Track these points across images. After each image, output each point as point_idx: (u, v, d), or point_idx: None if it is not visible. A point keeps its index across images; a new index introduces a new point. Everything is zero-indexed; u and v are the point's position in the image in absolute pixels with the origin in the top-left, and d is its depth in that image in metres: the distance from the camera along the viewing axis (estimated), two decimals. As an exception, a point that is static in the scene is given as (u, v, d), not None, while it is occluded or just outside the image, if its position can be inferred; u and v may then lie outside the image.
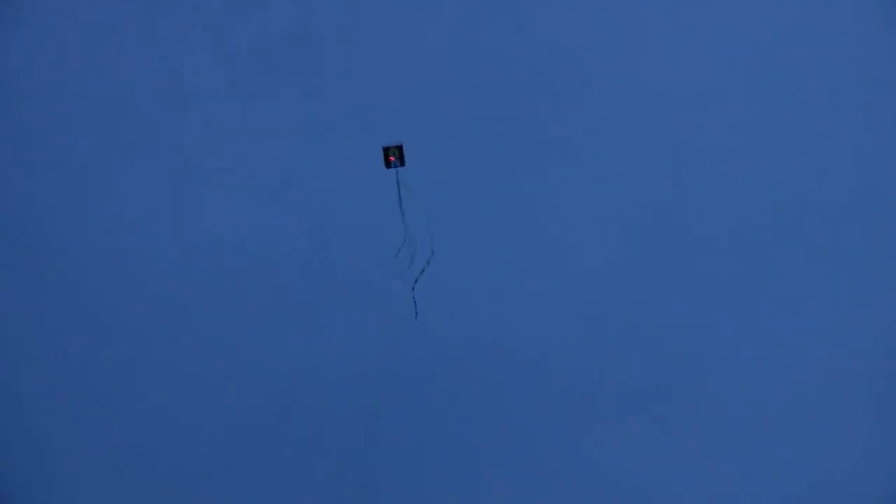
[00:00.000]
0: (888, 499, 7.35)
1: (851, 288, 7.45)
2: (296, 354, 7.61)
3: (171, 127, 7.68)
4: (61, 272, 7.63)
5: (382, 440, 7.55)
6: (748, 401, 7.46)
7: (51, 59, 7.69)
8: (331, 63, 7.67)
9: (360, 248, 7.61)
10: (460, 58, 7.63)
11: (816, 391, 7.43)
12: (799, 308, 7.48)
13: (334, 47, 7.67)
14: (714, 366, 7.49)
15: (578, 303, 7.57)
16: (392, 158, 7.23)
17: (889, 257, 7.44)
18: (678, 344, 7.50)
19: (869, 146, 7.50)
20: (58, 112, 7.68)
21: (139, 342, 7.61)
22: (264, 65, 7.68)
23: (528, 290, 7.59)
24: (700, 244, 7.54)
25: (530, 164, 7.61)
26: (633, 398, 7.49)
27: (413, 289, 7.48)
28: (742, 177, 7.55)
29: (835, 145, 7.51)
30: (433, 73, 7.63)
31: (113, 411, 7.58)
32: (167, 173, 7.66)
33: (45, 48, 7.68)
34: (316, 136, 7.67)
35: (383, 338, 7.59)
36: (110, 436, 7.56)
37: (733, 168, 7.55)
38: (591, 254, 7.58)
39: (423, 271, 7.47)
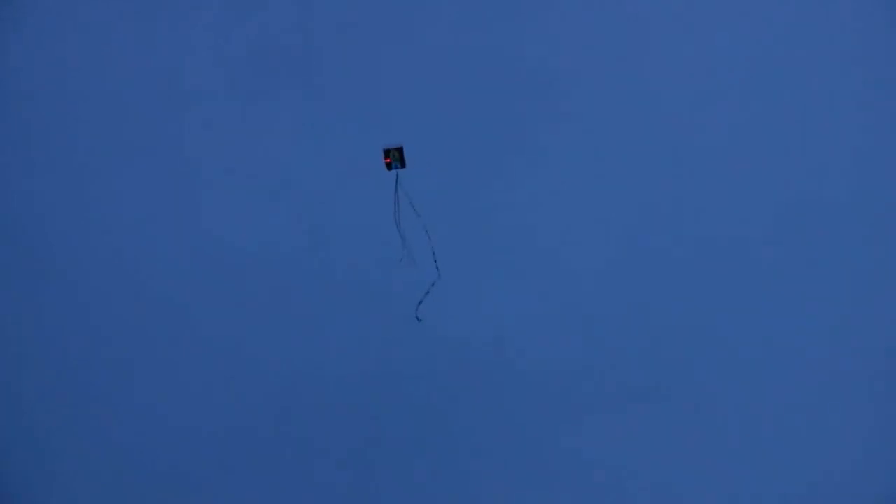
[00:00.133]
0: (888, 499, 7.35)
1: (851, 288, 7.45)
2: (296, 354, 7.61)
3: (171, 127, 7.68)
4: (61, 272, 7.63)
5: (382, 440, 7.55)
6: (748, 400, 7.46)
7: (51, 59, 7.69)
8: (331, 63, 7.67)
9: (360, 248, 7.61)
10: (460, 59, 7.63)
11: (816, 391, 7.43)
12: (798, 308, 7.48)
13: (334, 47, 7.67)
14: (713, 365, 7.49)
15: (578, 303, 7.57)
16: (388, 161, 7.23)
17: (889, 257, 7.44)
18: (677, 344, 7.50)
19: (869, 146, 7.50)
20: (58, 112, 7.68)
21: (139, 342, 7.61)
22: (264, 65, 7.68)
23: (527, 290, 7.59)
24: (699, 244, 7.54)
25: (530, 165, 7.61)
26: (633, 398, 7.49)
27: (417, 311, 7.50)
28: (741, 177, 7.55)
29: (834, 145, 7.52)
30: (433, 74, 7.64)
31: (113, 411, 7.58)
32: (167, 173, 7.67)
33: (45, 48, 7.69)
34: (316, 136, 7.67)
35: (383, 338, 7.59)
36: (110, 436, 7.56)
37: (733, 169, 7.55)
38: (590, 254, 7.58)
39: (427, 293, 7.49)
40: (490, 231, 7.62)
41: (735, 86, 7.57)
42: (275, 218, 7.65)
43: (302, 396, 7.59)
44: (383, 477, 7.54)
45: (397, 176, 7.35)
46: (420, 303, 7.47)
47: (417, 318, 7.48)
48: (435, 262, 7.46)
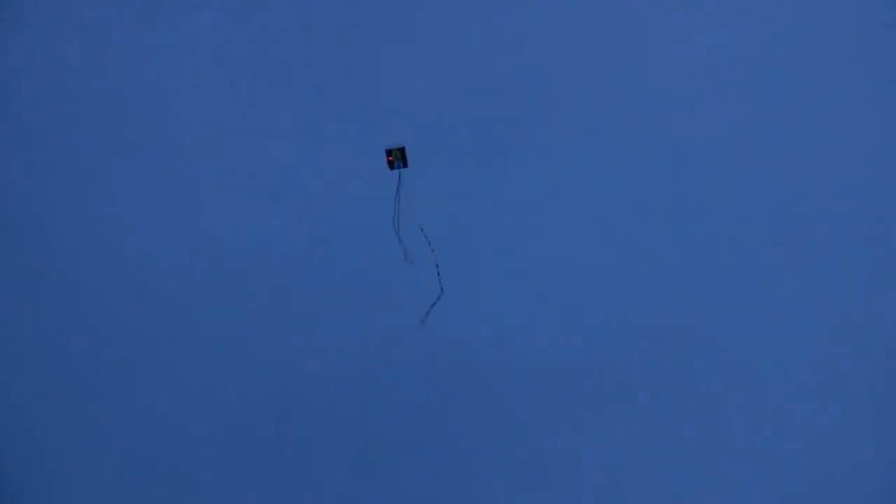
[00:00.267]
0: (888, 499, 7.35)
1: (851, 288, 7.45)
2: (296, 354, 7.61)
3: (170, 127, 7.69)
4: (61, 272, 7.63)
5: (382, 440, 7.56)
6: (747, 400, 7.46)
7: (51, 59, 7.69)
8: (331, 64, 7.67)
9: (360, 248, 7.61)
10: (460, 59, 7.64)
11: (816, 391, 7.43)
12: (798, 308, 7.49)
13: (334, 48, 7.68)
14: (713, 365, 7.50)
15: (578, 303, 7.58)
16: (391, 160, 7.24)
17: (889, 257, 7.44)
18: (677, 344, 7.51)
19: (869, 146, 7.50)
20: (58, 112, 7.69)
21: (139, 342, 7.61)
22: (264, 65, 7.69)
23: (527, 290, 7.59)
24: (699, 244, 7.55)
25: (530, 165, 7.61)
26: (632, 398, 7.49)
27: (424, 321, 7.53)
28: (741, 177, 7.55)
29: (834, 146, 7.52)
30: (433, 74, 7.64)
31: (113, 411, 7.58)
32: (167, 173, 7.67)
33: (45, 48, 7.69)
34: (316, 136, 7.67)
35: (383, 338, 7.59)
36: (110, 436, 7.56)
37: (732, 168, 7.55)
38: (590, 254, 7.58)
39: (433, 305, 7.51)
40: (490, 231, 7.62)
41: (735, 86, 7.58)
42: (275, 218, 7.65)
43: (302, 396, 7.59)
44: (383, 477, 7.54)
45: (399, 176, 7.35)
46: (426, 314, 7.49)
47: (441, 288, 7.49)
48: (439, 277, 7.47)
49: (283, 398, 7.59)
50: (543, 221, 7.61)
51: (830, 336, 7.44)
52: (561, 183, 7.61)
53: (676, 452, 7.46)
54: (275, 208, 7.65)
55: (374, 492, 7.54)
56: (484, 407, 7.56)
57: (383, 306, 7.59)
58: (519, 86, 7.61)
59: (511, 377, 7.56)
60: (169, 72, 7.68)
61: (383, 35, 7.65)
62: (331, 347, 7.61)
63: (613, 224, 7.58)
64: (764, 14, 7.57)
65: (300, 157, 7.66)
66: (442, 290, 7.49)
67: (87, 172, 7.67)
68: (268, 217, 7.65)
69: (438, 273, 7.48)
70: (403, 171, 7.33)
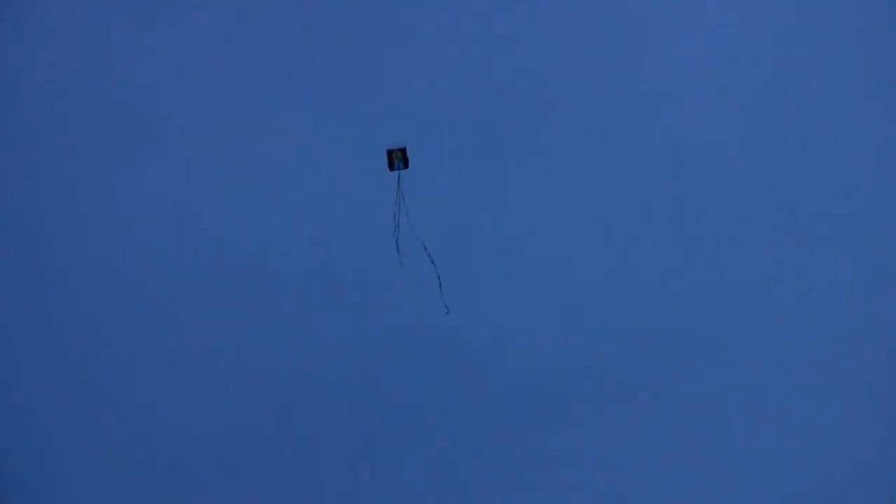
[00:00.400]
0: (888, 499, 7.35)
1: (852, 287, 7.45)
2: (296, 354, 7.61)
3: (170, 127, 7.68)
4: (61, 272, 7.63)
5: (382, 440, 7.55)
6: (747, 400, 7.46)
7: (51, 59, 7.69)
8: (331, 64, 7.67)
9: (360, 248, 7.61)
10: (461, 59, 7.63)
11: (816, 391, 7.43)
12: (798, 308, 7.48)
13: (334, 48, 7.67)
14: (713, 365, 7.49)
15: (578, 303, 7.57)
16: (391, 160, 7.24)
17: (889, 257, 7.44)
18: (677, 344, 7.50)
19: (869, 146, 7.50)
20: (58, 112, 7.68)
21: (139, 342, 7.61)
22: (264, 65, 7.68)
23: (527, 290, 7.59)
24: (699, 244, 7.54)
25: (530, 166, 7.61)
26: (632, 398, 7.49)
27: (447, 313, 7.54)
28: (741, 177, 7.55)
29: (834, 146, 7.52)
30: (434, 74, 7.64)
31: (113, 411, 7.58)
32: (167, 173, 7.67)
33: (45, 48, 7.69)
34: (316, 136, 7.67)
35: (383, 338, 7.59)
36: (110, 436, 7.56)
37: (732, 169, 7.55)
38: (590, 254, 7.58)
39: (446, 309, 7.52)
40: (490, 231, 7.62)
41: (735, 86, 7.57)
42: (275, 218, 7.65)
43: (302, 396, 7.59)
44: (383, 477, 7.54)
45: (399, 177, 7.35)
46: (447, 308, 7.50)
47: (446, 307, 7.49)
48: (441, 293, 7.48)
49: (283, 398, 7.59)
50: (543, 221, 7.61)
51: (830, 336, 7.44)
52: (561, 183, 7.61)
53: (676, 452, 7.46)
54: (275, 208, 7.65)
55: (374, 492, 7.53)
56: (484, 407, 7.56)
57: (383, 306, 7.59)
58: (518, 86, 7.61)
59: (511, 377, 7.56)
60: (169, 72, 7.67)
61: (383, 35, 7.64)
62: (331, 347, 7.61)
63: (613, 224, 7.58)
64: (764, 14, 7.56)
65: (300, 157, 7.65)
66: (447, 309, 7.50)
67: (86, 172, 7.67)
68: (268, 217, 7.65)
69: (441, 290, 7.49)
70: (403, 172, 7.32)
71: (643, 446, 7.46)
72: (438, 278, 7.47)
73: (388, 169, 7.30)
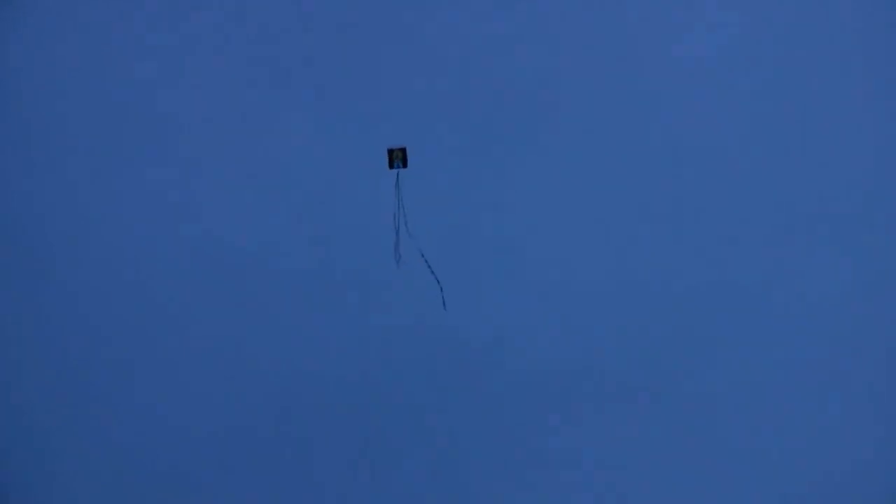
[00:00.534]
0: (888, 499, 7.35)
1: (852, 288, 7.45)
2: (296, 354, 7.61)
3: (170, 127, 7.68)
4: (61, 272, 7.62)
5: (382, 440, 7.55)
6: (748, 401, 7.45)
7: (51, 59, 7.69)
8: (331, 64, 7.67)
9: (360, 248, 7.61)
10: (461, 59, 7.63)
11: (816, 391, 7.43)
12: (798, 308, 7.48)
13: (334, 48, 7.67)
14: (713, 365, 7.49)
15: (578, 303, 7.57)
16: (392, 158, 7.25)
17: (890, 257, 7.44)
18: (678, 344, 7.50)
19: (869, 146, 7.49)
20: (57, 112, 7.68)
21: (139, 342, 7.61)
22: (264, 65, 7.68)
23: (527, 290, 7.59)
24: (699, 244, 7.54)
25: (530, 165, 7.61)
26: (633, 398, 7.49)
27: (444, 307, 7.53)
28: (741, 177, 7.55)
29: (834, 145, 7.51)
30: (434, 74, 7.63)
31: (113, 411, 7.58)
32: (167, 173, 7.66)
33: (45, 48, 7.68)
34: (316, 136, 7.67)
35: (383, 338, 7.59)
36: (110, 436, 7.56)
37: (732, 168, 7.55)
38: (590, 254, 7.58)
39: (444, 304, 7.52)
40: (490, 231, 7.62)
41: (736, 86, 7.57)
42: (275, 218, 7.65)
43: (302, 396, 7.59)
44: (383, 477, 7.53)
45: (398, 176, 7.35)
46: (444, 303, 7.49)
47: (444, 303, 7.49)
48: (443, 300, 7.49)
49: (283, 398, 7.59)
50: (543, 221, 7.61)
51: (830, 336, 7.44)
52: (561, 183, 7.61)
53: (676, 452, 7.46)
54: (275, 208, 7.65)
55: (374, 492, 7.53)
56: (484, 407, 7.56)
57: (383, 306, 7.59)
58: (518, 86, 7.61)
59: (511, 377, 7.56)
60: (169, 72, 7.67)
61: (383, 35, 7.64)
62: (331, 347, 7.61)
63: (613, 224, 7.58)
64: (764, 14, 7.56)
65: (300, 158, 7.65)
66: (445, 305, 7.50)
67: (85, 172, 7.67)
68: (268, 217, 7.64)
69: (442, 294, 7.49)
70: (402, 171, 7.33)
71: (643, 446, 7.46)
72: (438, 283, 7.47)
73: (387, 167, 7.31)
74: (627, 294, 7.54)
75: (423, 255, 7.37)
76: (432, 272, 7.40)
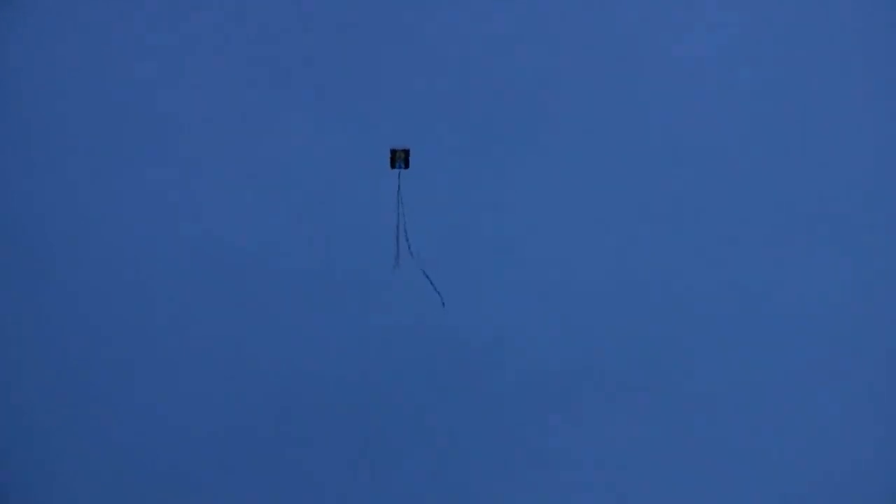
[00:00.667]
0: (888, 499, 7.35)
1: (852, 288, 7.45)
2: (296, 354, 7.61)
3: (170, 127, 7.68)
4: (61, 272, 7.63)
5: (382, 440, 7.55)
6: (748, 401, 7.46)
7: (51, 59, 7.69)
8: (331, 64, 7.67)
9: (360, 248, 7.61)
10: (461, 59, 7.63)
11: (816, 391, 7.43)
12: (799, 308, 7.48)
13: (334, 48, 7.67)
14: (712, 365, 7.49)
15: (578, 303, 7.57)
16: (395, 158, 7.25)
17: (890, 257, 7.44)
18: (678, 344, 7.50)
19: (870, 147, 7.50)
20: (57, 112, 7.68)
21: (139, 342, 7.61)
22: (264, 65, 7.68)
23: (527, 290, 7.59)
24: (699, 244, 7.54)
25: (529, 165, 7.61)
26: (633, 398, 7.49)
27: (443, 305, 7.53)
28: (741, 176, 7.55)
29: (834, 145, 7.51)
30: (434, 75, 7.63)
31: (113, 411, 7.58)
32: (167, 173, 7.66)
33: (45, 48, 7.68)
34: (316, 136, 7.67)
35: (383, 338, 7.59)
36: (110, 436, 7.56)
37: (732, 168, 7.55)
38: (590, 254, 7.58)
39: (442, 303, 7.52)
40: (490, 231, 7.62)
41: (736, 86, 7.57)
42: (275, 218, 7.65)
43: (302, 396, 7.59)
44: (383, 477, 7.54)
45: (399, 175, 7.35)
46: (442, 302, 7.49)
47: (443, 303, 7.50)
48: (442, 301, 7.50)
49: (283, 398, 7.59)
50: (543, 221, 7.61)
51: (830, 336, 7.44)
52: (560, 183, 7.61)
53: (676, 452, 7.46)
54: (275, 208, 7.65)
55: (374, 492, 7.53)
56: (484, 407, 7.56)
57: (383, 306, 7.59)
58: (518, 86, 7.61)
59: (511, 377, 7.56)
60: (169, 72, 7.67)
61: (383, 35, 7.64)
62: (331, 347, 7.61)
63: (614, 224, 7.58)
64: (764, 14, 7.56)
65: (300, 158, 7.65)
66: (443, 303, 7.51)
67: (85, 172, 7.67)
68: (268, 217, 7.65)
69: (441, 300, 7.50)
70: (402, 172, 7.33)
71: (643, 446, 7.46)
72: (439, 294, 7.47)
73: (389, 167, 7.32)
74: (627, 294, 7.55)
75: (425, 273, 7.38)
76: (431, 284, 7.40)
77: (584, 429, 7.49)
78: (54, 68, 7.68)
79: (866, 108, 7.50)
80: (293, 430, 7.58)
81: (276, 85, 7.67)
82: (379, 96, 7.64)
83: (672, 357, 7.51)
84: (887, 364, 7.40)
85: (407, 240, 7.38)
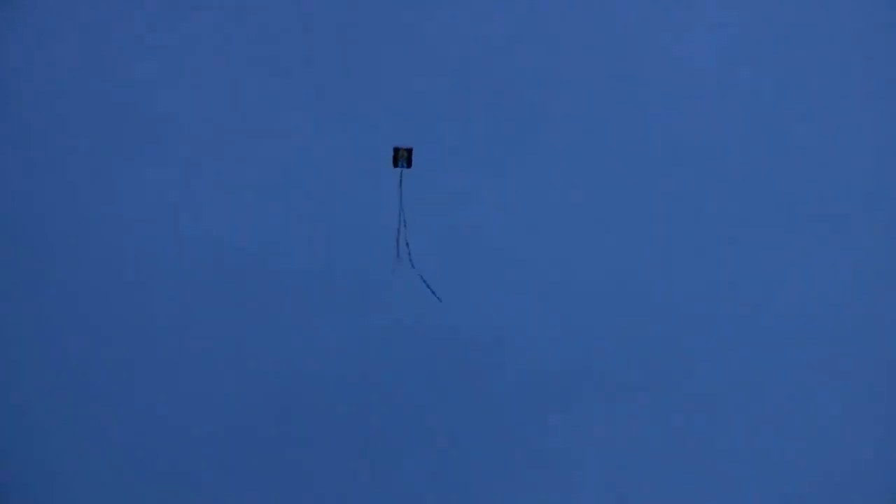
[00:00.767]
0: (888, 499, 7.35)
1: (852, 288, 7.45)
2: (296, 354, 7.61)
3: (171, 127, 7.68)
4: (61, 272, 7.62)
5: (382, 440, 7.55)
6: (748, 401, 7.46)
7: (50, 59, 7.69)
8: (331, 64, 7.67)
9: (360, 248, 7.61)
10: (461, 60, 7.64)
11: (816, 391, 7.43)
12: (799, 308, 7.48)
13: (334, 48, 7.67)
14: (712, 365, 7.49)
15: (578, 303, 7.57)
16: (398, 156, 7.26)
17: (890, 258, 7.44)
18: (678, 344, 7.50)
19: (870, 148, 7.50)
20: (58, 112, 7.68)
21: (139, 342, 7.61)
22: (264, 65, 7.68)
23: (527, 290, 7.59)
24: (699, 245, 7.54)
25: (530, 167, 7.61)
26: (632, 398, 7.49)
27: (439, 300, 7.52)
28: (741, 178, 7.55)
29: (834, 146, 7.52)
30: (433, 75, 7.63)
31: (113, 411, 7.58)
32: (167, 173, 7.66)
33: (44, 48, 7.69)
34: (316, 136, 7.67)
35: (383, 337, 7.59)
36: (110, 436, 7.56)
37: (732, 169, 7.55)
38: (590, 255, 7.58)
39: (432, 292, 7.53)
40: (491, 231, 7.62)
41: (736, 87, 7.57)
42: (275, 218, 7.65)
43: (302, 396, 7.59)
44: (383, 477, 7.53)
45: (401, 174, 7.36)
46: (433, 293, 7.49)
47: (438, 298, 7.50)
48: (433, 295, 7.50)
49: (283, 398, 7.59)
50: (544, 222, 7.61)
51: (830, 336, 7.44)
52: (560, 183, 7.61)
53: (676, 452, 7.46)
54: (275, 208, 7.65)
55: (374, 492, 7.53)
56: (484, 407, 7.56)
57: (383, 306, 7.58)
58: (519, 87, 7.61)
59: (511, 377, 7.56)
60: (169, 72, 7.67)
61: (383, 35, 7.64)
62: (331, 347, 7.61)
63: (613, 224, 7.58)
64: (764, 14, 7.56)
65: (300, 158, 7.65)
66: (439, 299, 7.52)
67: (86, 172, 7.67)
68: (268, 217, 7.64)
69: (437, 296, 7.51)
70: (403, 172, 7.34)
71: (643, 446, 7.46)
72: (434, 293, 7.48)
73: (391, 165, 7.33)
74: (627, 294, 7.55)
75: (423, 280, 7.40)
76: (429, 288, 7.41)
77: (584, 429, 7.49)
78: (54, 68, 7.68)
79: (866, 108, 7.50)
80: (293, 430, 7.57)
81: (276, 85, 7.66)
82: (378, 97, 7.64)
83: (672, 357, 7.51)
84: (887, 364, 7.40)
85: (407, 245, 7.38)
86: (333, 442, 7.57)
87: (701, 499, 7.43)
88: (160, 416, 7.57)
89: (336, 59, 7.65)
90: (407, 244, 7.39)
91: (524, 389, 7.55)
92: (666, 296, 7.53)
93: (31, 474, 7.54)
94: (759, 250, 7.51)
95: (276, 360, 7.60)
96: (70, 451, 7.55)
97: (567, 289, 7.58)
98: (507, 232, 7.62)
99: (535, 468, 7.50)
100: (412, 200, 7.47)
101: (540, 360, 7.55)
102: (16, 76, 7.68)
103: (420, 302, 7.55)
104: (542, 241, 7.60)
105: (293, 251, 7.63)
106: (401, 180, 7.36)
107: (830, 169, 7.50)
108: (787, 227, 7.51)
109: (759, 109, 7.54)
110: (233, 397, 7.59)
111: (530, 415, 7.53)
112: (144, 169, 7.66)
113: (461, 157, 7.62)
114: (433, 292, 7.43)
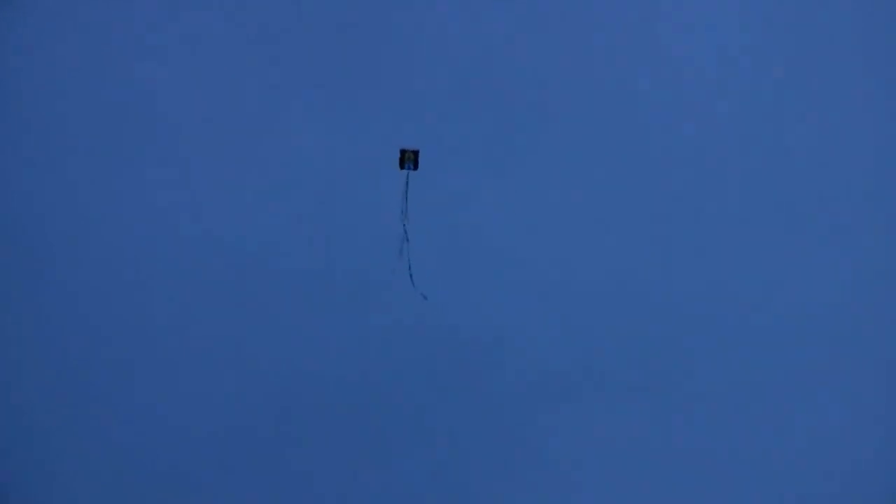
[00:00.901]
0: (888, 499, 7.35)
1: (852, 289, 7.45)
2: (296, 354, 7.61)
3: (170, 127, 7.68)
4: (61, 272, 7.62)
5: (382, 440, 7.55)
6: (748, 401, 7.46)
7: (51, 59, 7.68)
8: (331, 64, 7.67)
9: (359, 248, 7.61)
10: (462, 61, 7.64)
11: (816, 391, 7.43)
12: (799, 308, 7.49)
13: (334, 48, 7.67)
14: (713, 366, 7.50)
15: (578, 303, 7.57)
16: (404, 158, 7.26)
17: (890, 258, 7.44)
18: (678, 344, 7.51)
19: (870, 148, 7.50)
20: (58, 112, 7.68)
21: (139, 342, 7.61)
22: (264, 65, 7.68)
23: (527, 290, 7.59)
24: (700, 246, 7.54)
25: (530, 168, 7.61)
26: (632, 398, 7.49)
27: (424, 295, 7.52)
28: (741, 178, 7.55)
29: (834, 146, 7.52)
30: (434, 76, 7.63)
31: (113, 411, 7.58)
32: (167, 173, 7.66)
33: (44, 48, 7.68)
34: (316, 136, 7.67)
35: (383, 337, 7.59)
36: (110, 436, 7.56)
37: (732, 169, 7.55)
38: (589, 255, 7.58)
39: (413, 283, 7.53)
40: (491, 231, 7.62)
41: (737, 87, 7.57)
42: (275, 218, 7.65)
43: (302, 396, 7.59)
44: (383, 476, 7.54)
45: (407, 176, 7.36)
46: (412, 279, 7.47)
47: (423, 296, 7.49)
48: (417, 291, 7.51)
49: (283, 398, 7.59)
50: (544, 222, 7.61)
51: (831, 336, 7.44)
52: (561, 183, 7.61)
53: (676, 452, 7.46)
54: (275, 208, 7.65)
55: (374, 492, 7.53)
56: (484, 407, 7.56)
57: (383, 306, 7.59)
58: (519, 87, 7.61)
59: (511, 377, 7.56)
60: (169, 72, 7.67)
61: (383, 35, 7.64)
62: (331, 347, 7.61)
63: (614, 225, 7.58)
64: (764, 14, 7.56)
65: (300, 157, 7.65)
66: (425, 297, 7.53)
67: (86, 172, 7.67)
68: (268, 217, 7.64)
69: (423, 295, 7.53)
70: (411, 173, 7.35)
71: (643, 446, 7.46)
72: (422, 295, 7.48)
73: (392, 165, 7.33)
74: (627, 294, 7.55)
75: (411, 279, 7.40)
76: (422, 295, 7.42)
77: (584, 429, 7.50)
78: (54, 68, 7.68)
79: (866, 108, 7.50)
80: (293, 430, 7.58)
81: (276, 85, 7.66)
82: (379, 97, 7.64)
83: (672, 357, 7.51)
84: (887, 364, 7.40)
85: (407, 240, 7.38)
86: (333, 442, 7.57)
87: (701, 499, 7.44)
88: (160, 416, 7.57)
89: (336, 59, 7.64)
90: (407, 240, 7.38)
91: (524, 390, 7.55)
92: (666, 296, 7.53)
93: (31, 474, 7.55)
94: (759, 250, 7.51)
95: (276, 360, 7.60)
96: (70, 451, 7.55)
97: (567, 289, 7.58)
98: (508, 232, 7.62)
99: (535, 468, 7.50)
100: (412, 200, 7.47)
101: (540, 360, 7.55)
102: (16, 76, 7.67)
103: (420, 302, 7.55)
104: (542, 241, 7.61)
105: (293, 251, 7.63)
106: (407, 182, 7.36)
107: (830, 169, 7.50)
108: (787, 228, 7.51)
109: (759, 109, 7.54)
110: (233, 397, 7.59)
111: (530, 415, 7.53)
112: (144, 169, 7.65)
113: (461, 157, 7.62)
114: (422, 294, 7.43)
